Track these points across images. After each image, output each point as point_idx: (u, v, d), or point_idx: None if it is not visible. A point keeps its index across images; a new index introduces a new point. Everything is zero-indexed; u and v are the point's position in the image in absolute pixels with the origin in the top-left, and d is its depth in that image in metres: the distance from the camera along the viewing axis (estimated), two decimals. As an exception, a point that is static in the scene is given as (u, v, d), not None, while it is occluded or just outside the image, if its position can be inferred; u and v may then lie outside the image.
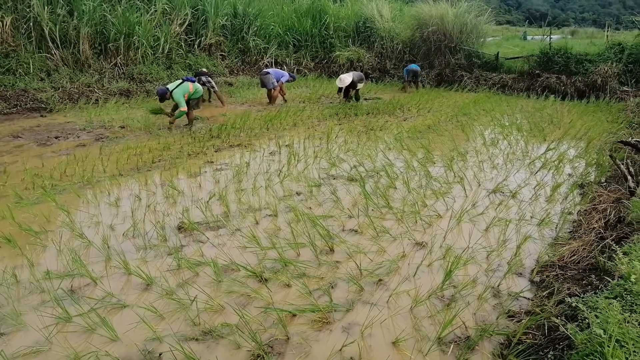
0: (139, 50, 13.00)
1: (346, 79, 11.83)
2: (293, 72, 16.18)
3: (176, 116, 8.68)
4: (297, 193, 5.54)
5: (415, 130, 8.96)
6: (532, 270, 3.84)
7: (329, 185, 5.81)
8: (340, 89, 12.25)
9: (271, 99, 11.98)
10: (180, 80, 8.71)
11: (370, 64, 17.10)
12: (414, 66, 14.87)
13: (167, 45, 13.81)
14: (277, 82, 11.87)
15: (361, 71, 15.97)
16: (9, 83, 10.44)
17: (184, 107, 8.53)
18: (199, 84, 9.20)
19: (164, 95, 8.49)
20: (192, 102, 8.87)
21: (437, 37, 16.34)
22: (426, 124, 9.81)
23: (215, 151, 7.35)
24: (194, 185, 5.73)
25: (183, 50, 14.55)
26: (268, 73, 11.81)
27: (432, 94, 14.02)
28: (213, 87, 11.07)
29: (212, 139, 8.05)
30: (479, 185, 6.02)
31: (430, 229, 4.64)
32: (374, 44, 17.59)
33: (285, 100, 12.34)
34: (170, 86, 8.58)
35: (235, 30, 16.47)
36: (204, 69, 12.51)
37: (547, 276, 3.68)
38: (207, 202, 5.08)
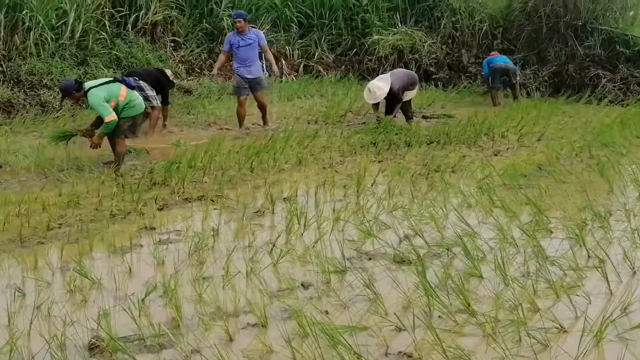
0: (31, 33, 9.11)
1: (379, 90, 8.43)
2: (298, 71, 12.32)
3: (102, 131, 6.02)
4: (302, 285, 3.90)
5: (515, 174, 6.77)
6: None
7: (360, 270, 4.10)
8: (377, 104, 8.91)
9: (263, 114, 8.79)
10: (109, 79, 6.33)
11: (434, 56, 12.51)
12: (502, 60, 10.78)
13: (80, 26, 9.68)
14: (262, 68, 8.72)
15: (416, 69, 11.72)
16: None
17: (110, 116, 5.86)
18: (137, 93, 6.47)
19: (68, 91, 6.13)
20: (125, 123, 6.15)
21: (552, 10, 12.16)
22: (535, 161, 7.51)
23: (160, 209, 5.43)
24: (120, 269, 4.07)
25: (107, 34, 10.30)
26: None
27: (544, 108, 11.07)
28: (151, 102, 7.48)
29: (153, 188, 6.01)
30: (634, 272, 4.24)
31: (545, 353, 3.13)
32: (439, 21, 12.92)
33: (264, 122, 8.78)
34: (88, 83, 6.26)
35: (198, 0, 11.85)
36: (168, 70, 8.86)
37: None
38: (143, 300, 3.44)
